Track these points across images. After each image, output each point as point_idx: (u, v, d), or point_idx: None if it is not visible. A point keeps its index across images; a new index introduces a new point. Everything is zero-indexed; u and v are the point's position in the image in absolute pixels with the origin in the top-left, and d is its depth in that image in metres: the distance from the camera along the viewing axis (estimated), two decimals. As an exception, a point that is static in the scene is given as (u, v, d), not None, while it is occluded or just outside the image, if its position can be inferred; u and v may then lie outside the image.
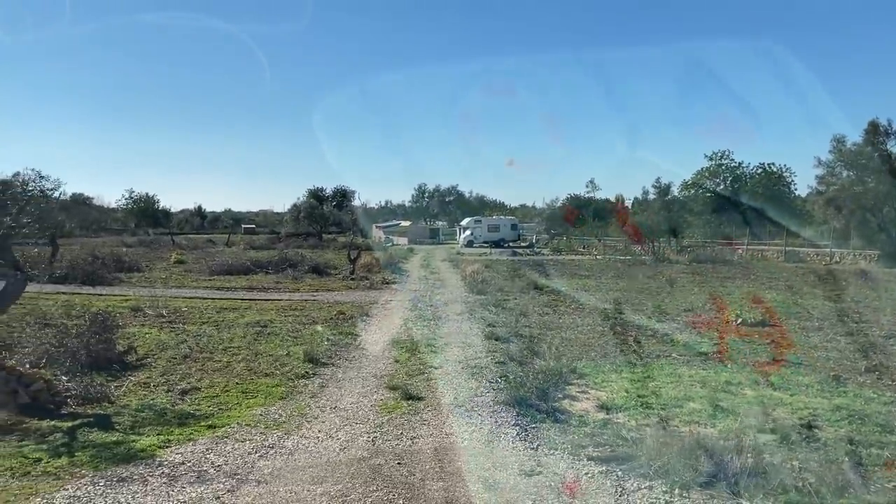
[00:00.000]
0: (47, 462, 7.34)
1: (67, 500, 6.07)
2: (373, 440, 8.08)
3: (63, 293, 22.86)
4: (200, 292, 25.19)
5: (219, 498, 6.11)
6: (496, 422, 8.83)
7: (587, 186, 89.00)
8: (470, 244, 67.17)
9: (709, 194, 59.88)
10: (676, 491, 6.02)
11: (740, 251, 45.21)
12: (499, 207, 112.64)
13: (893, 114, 71.68)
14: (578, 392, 10.48)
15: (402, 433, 8.34)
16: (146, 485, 6.46)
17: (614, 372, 11.80)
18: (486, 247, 64.11)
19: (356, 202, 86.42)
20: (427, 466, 7.02)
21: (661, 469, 6.37)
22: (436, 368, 12.37)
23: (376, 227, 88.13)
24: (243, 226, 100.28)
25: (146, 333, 15.77)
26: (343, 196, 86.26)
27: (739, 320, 17.50)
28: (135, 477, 6.71)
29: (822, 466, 6.71)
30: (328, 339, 15.33)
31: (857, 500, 5.99)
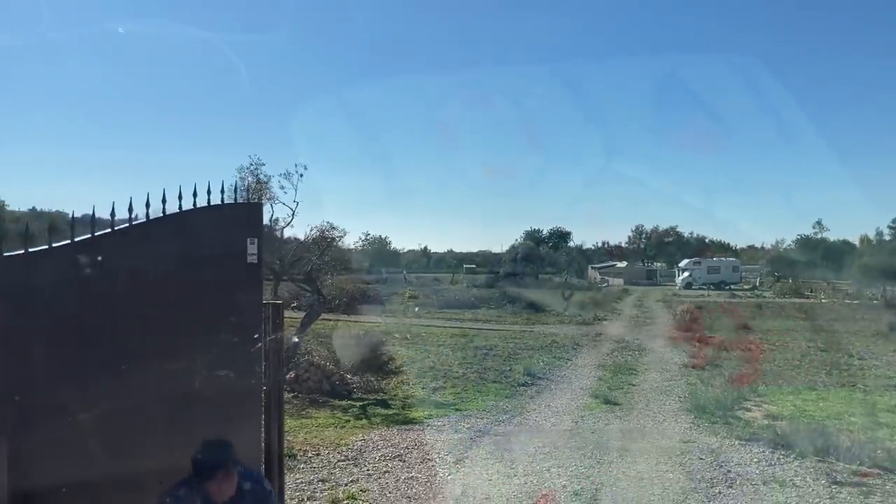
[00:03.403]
0: (354, 422, 10.96)
1: (378, 435, 9.55)
2: (576, 422, 10.88)
3: (328, 320, 27.95)
4: (434, 322, 29.35)
5: (472, 439, 9.31)
6: (675, 420, 11.18)
7: (814, 227, 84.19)
8: (688, 286, 66.84)
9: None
10: (792, 456, 8.15)
11: None
12: (722, 248, 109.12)
13: None
14: (753, 406, 12.41)
15: (598, 420, 11.05)
16: (424, 430, 9.83)
17: (792, 394, 13.48)
18: (706, 289, 63.50)
19: (571, 243, 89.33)
20: (612, 435, 9.75)
21: (788, 444, 8.50)
22: (633, 386, 14.77)
23: (592, 267, 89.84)
24: (465, 266, 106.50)
25: (397, 350, 19.70)
26: (559, 237, 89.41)
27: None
28: (415, 429, 10.10)
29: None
30: (543, 361, 18.23)
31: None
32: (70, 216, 4.17)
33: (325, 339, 19.64)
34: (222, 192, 4.78)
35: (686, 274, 69.66)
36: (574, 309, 36.36)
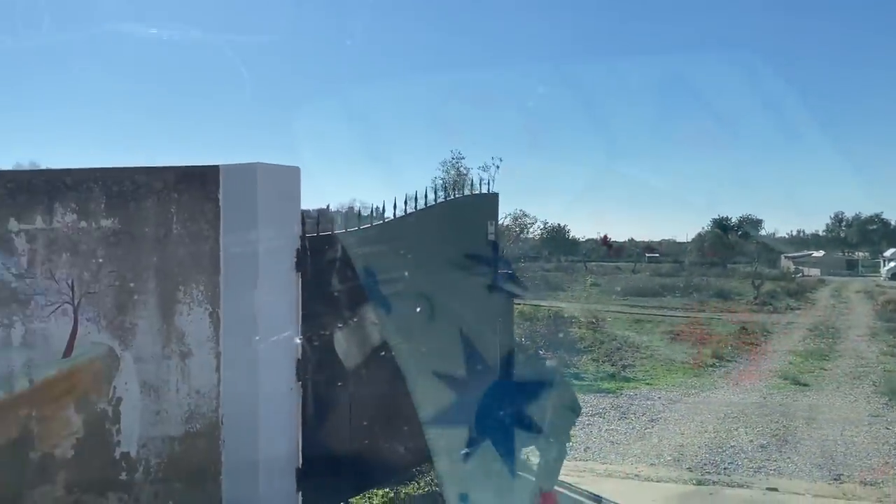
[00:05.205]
0: (552, 389, 12.33)
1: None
2: (763, 398, 11.60)
3: (516, 303, 29.55)
4: (617, 308, 30.05)
5: (664, 405, 10.42)
6: (867, 401, 11.51)
7: None
8: (895, 277, 61.81)
9: None
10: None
11: None
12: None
13: None
14: (956, 394, 12.35)
15: (785, 397, 11.68)
16: (618, 398, 11.04)
17: None
18: (916, 281, 58.40)
19: (763, 231, 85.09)
20: (800, 408, 10.47)
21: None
22: (825, 370, 14.95)
23: (785, 257, 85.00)
24: (647, 255, 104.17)
25: (584, 332, 20.83)
26: (749, 225, 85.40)
27: None
28: (609, 396, 11.35)
29: None
30: (731, 346, 18.61)
31: None
32: (369, 208, 5.79)
33: (517, 319, 21.19)
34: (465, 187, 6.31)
35: (892, 264, 64.38)
36: (765, 298, 35.41)
